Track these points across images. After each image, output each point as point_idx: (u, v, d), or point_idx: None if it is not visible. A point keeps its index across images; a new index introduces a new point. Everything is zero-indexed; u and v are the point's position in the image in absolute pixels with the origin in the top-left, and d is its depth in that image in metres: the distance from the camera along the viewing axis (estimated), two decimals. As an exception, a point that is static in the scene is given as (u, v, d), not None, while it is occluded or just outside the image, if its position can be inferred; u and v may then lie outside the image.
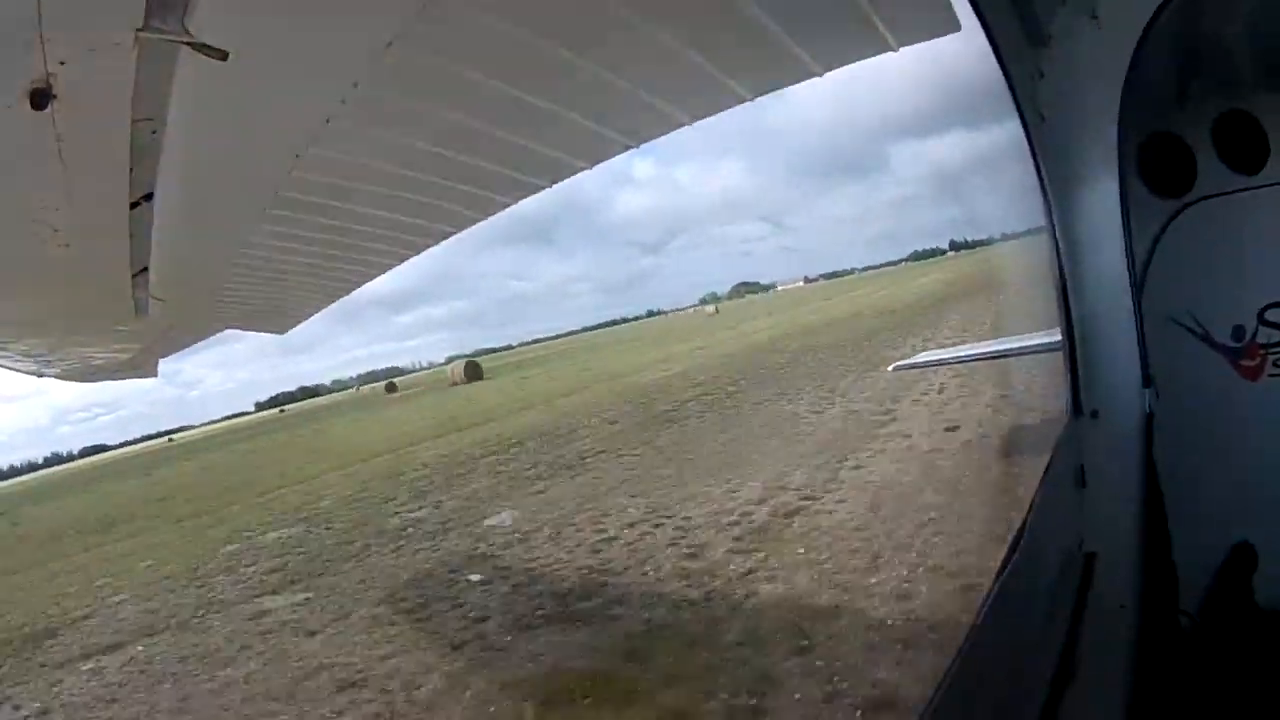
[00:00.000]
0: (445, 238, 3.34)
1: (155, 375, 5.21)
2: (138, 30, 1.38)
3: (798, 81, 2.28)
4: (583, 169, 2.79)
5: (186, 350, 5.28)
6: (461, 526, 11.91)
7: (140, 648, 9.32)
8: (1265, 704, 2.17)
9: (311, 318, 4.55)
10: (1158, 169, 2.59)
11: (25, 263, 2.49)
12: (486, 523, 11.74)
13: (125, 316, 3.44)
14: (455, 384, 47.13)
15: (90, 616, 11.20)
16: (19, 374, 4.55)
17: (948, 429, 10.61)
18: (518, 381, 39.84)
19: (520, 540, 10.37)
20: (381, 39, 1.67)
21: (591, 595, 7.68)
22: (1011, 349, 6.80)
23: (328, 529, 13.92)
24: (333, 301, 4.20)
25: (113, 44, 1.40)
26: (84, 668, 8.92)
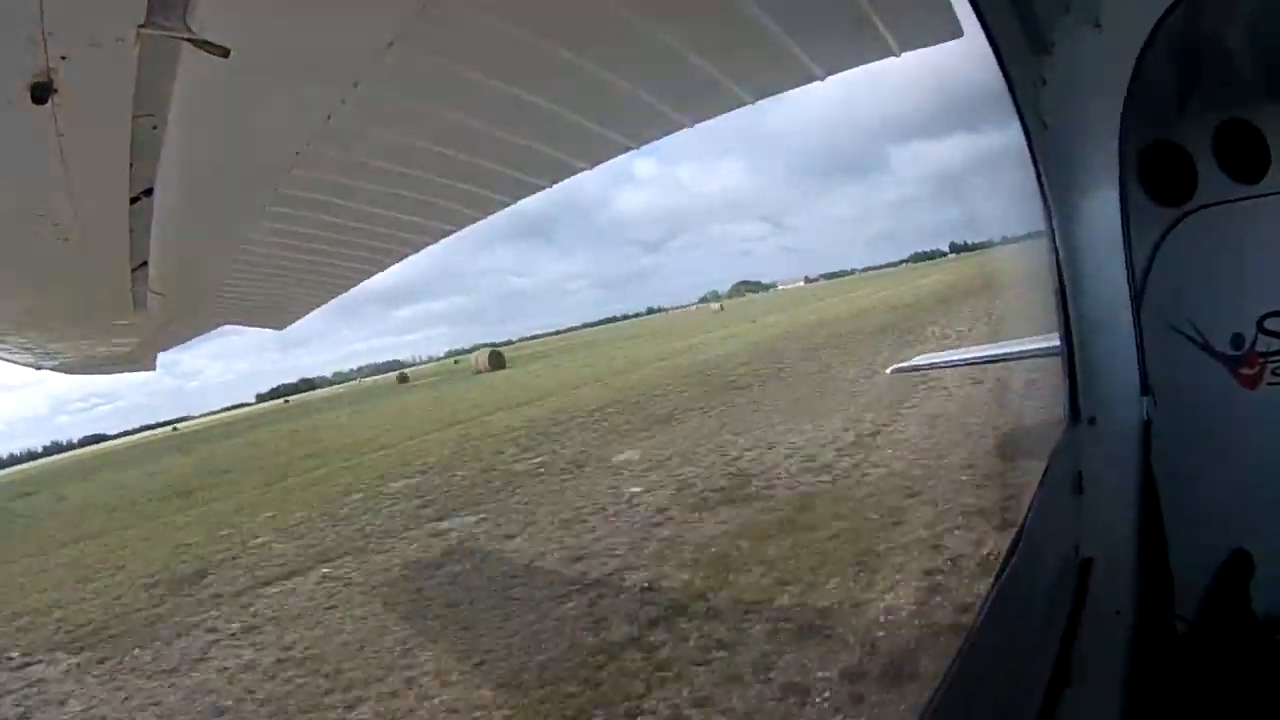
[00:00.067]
0: (444, 236, 3.34)
1: (154, 369, 5.21)
2: (139, 26, 1.37)
3: (799, 85, 2.27)
4: (583, 169, 2.78)
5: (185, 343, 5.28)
6: (592, 464, 13.52)
7: (325, 570, 10.21)
8: (1260, 711, 2.17)
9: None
10: (1158, 177, 2.59)
11: (24, 256, 2.48)
12: (616, 459, 13.53)
13: (124, 311, 3.44)
14: (479, 372, 47.59)
15: (236, 559, 11.88)
16: (18, 366, 4.54)
17: (974, 383, 12.94)
18: (547, 369, 40.51)
19: (657, 466, 12.28)
20: (383, 38, 1.66)
21: (743, 489, 10.00)
22: (1011, 353, 6.83)
23: (454, 476, 14.78)
24: (331, 298, 4.20)
25: (114, 39, 1.40)
26: (270, 591, 9.76)
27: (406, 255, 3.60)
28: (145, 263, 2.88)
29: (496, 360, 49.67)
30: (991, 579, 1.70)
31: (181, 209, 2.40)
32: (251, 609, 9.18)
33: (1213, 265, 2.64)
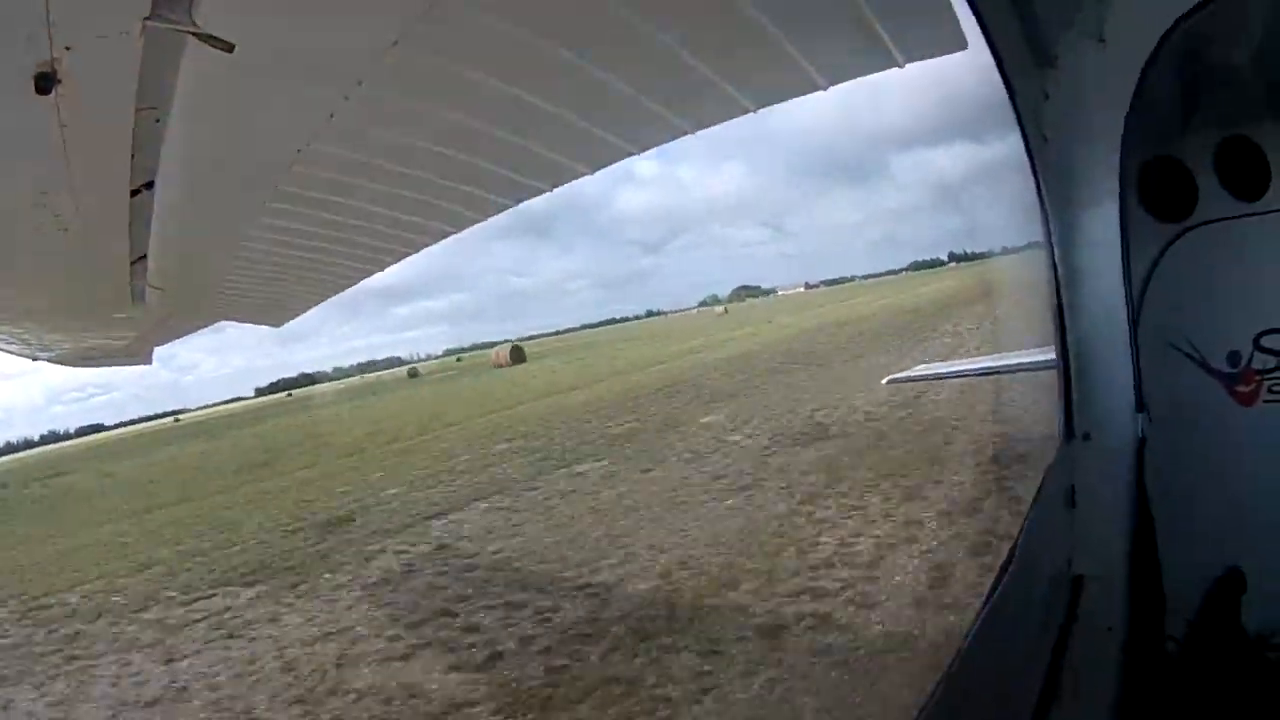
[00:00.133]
0: (444, 237, 3.33)
1: (150, 363, 5.21)
2: (145, 19, 1.37)
3: (802, 94, 2.28)
4: (584, 174, 2.78)
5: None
6: (682, 425, 14.87)
7: (483, 505, 11.33)
8: None
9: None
10: (1159, 193, 2.59)
11: (23, 246, 2.48)
12: (701, 420, 15.04)
13: (123, 304, 3.43)
14: (500, 365, 47.26)
15: (374, 507, 12.60)
16: (14, 356, 4.53)
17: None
18: (570, 363, 39.86)
19: (743, 424, 14.06)
20: (386, 38, 1.66)
21: (823, 433, 12.45)
22: (1007, 365, 6.84)
23: (550, 441, 15.69)
24: (330, 296, 4.20)
25: (119, 32, 1.40)
26: (436, 524, 10.77)
27: (406, 255, 3.60)
28: (144, 256, 2.88)
29: (518, 355, 49.70)
30: (985, 592, 1.70)
31: (182, 203, 2.40)
32: (422, 539, 10.16)
33: (1211, 282, 2.64)
